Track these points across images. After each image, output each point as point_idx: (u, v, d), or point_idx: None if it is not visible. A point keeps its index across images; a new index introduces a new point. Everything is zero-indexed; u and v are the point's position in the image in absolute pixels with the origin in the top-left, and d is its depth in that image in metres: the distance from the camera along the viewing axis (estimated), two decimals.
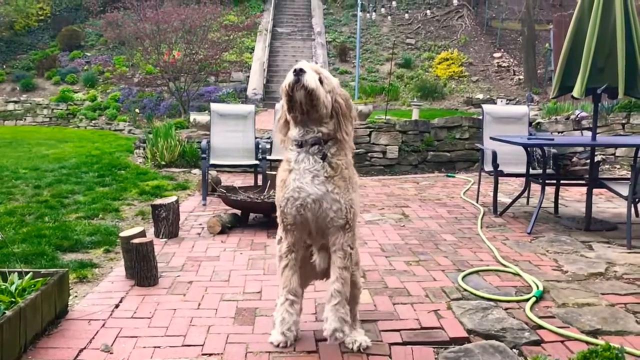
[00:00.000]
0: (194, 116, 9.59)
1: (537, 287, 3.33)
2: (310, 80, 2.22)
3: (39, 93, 18.05)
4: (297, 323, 2.58)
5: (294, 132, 2.37)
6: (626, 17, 4.64)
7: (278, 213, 2.48)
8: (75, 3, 22.62)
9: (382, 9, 20.21)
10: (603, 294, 3.30)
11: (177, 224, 4.69)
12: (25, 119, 17.20)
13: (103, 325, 2.84)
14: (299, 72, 2.21)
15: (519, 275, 3.62)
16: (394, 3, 20.34)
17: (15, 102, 17.46)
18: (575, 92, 4.73)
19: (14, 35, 20.79)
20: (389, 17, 21.21)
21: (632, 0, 4.75)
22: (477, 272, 3.71)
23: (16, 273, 2.84)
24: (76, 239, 4.39)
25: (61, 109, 17.11)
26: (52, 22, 21.48)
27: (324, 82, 2.29)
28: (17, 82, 18.40)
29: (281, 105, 2.42)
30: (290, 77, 2.24)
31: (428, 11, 20.70)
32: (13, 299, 2.61)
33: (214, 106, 7.12)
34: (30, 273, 2.86)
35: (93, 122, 16.52)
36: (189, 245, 4.38)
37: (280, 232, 2.54)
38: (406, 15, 21.44)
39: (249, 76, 17.75)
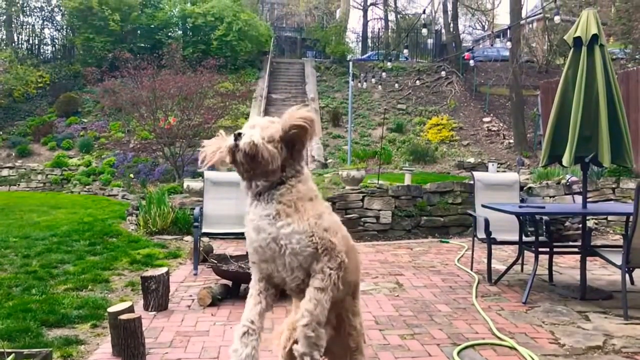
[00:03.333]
0: (188, 182, 9.61)
1: None
2: (246, 143, 2.25)
3: (34, 159, 18.18)
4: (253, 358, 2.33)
5: (246, 184, 2.39)
6: (608, 88, 4.78)
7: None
8: (75, 71, 23.22)
9: (373, 79, 20.83)
10: None
11: (167, 296, 4.60)
12: (19, 185, 17.22)
13: None
14: (237, 137, 2.28)
15: (515, 349, 3.54)
16: (384, 74, 20.98)
17: (10, 167, 17.55)
18: (565, 161, 4.81)
19: (13, 102, 21.18)
20: (380, 86, 21.82)
21: (612, 72, 4.92)
22: (472, 346, 3.63)
23: None
24: (63, 313, 4.28)
25: (56, 175, 17.18)
26: (50, 89, 21.97)
27: (266, 137, 2.29)
28: (13, 147, 18.57)
29: None
30: (230, 140, 2.30)
31: (418, 81, 21.35)
32: None
33: (207, 174, 7.15)
34: (13, 354, 2.77)
35: (87, 187, 16.56)
36: (178, 318, 4.28)
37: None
38: (396, 84, 22.06)
39: None
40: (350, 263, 2.45)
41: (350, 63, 20.44)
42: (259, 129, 2.32)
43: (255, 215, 2.34)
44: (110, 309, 3.59)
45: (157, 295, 4.45)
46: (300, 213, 2.28)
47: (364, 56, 31.37)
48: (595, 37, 4.76)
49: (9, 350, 2.84)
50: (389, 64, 20.18)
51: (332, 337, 2.43)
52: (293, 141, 2.33)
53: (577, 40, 4.86)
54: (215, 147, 2.42)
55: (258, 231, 2.31)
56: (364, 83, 21.26)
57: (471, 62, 18.17)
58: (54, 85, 22.17)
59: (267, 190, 2.32)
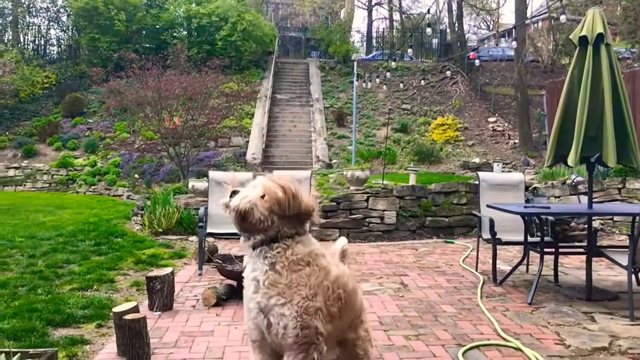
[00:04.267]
0: (192, 183, 9.63)
1: None
2: (236, 202, 2.23)
3: (40, 159, 18.24)
4: None
5: (242, 238, 2.36)
6: (614, 87, 4.76)
7: None
8: (80, 71, 23.31)
9: (377, 79, 20.80)
10: None
11: (172, 296, 4.61)
12: (25, 185, 17.28)
13: None
14: (232, 194, 2.28)
15: (520, 350, 3.53)
16: (388, 74, 20.95)
17: (16, 168, 17.61)
18: (570, 161, 4.79)
19: (19, 102, 21.27)
20: (385, 86, 21.81)
21: (619, 71, 4.89)
22: (477, 347, 3.62)
23: (3, 354, 2.76)
24: (68, 313, 4.30)
25: (61, 175, 17.23)
26: (56, 89, 22.06)
27: (264, 199, 2.24)
28: (19, 148, 18.65)
29: None
30: (226, 197, 2.31)
31: (423, 81, 21.31)
32: None
33: (212, 174, 7.17)
34: (19, 354, 2.78)
35: (92, 187, 16.60)
36: (183, 318, 4.29)
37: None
38: (401, 84, 22.04)
39: (248, 141, 18.02)
40: (350, 302, 2.42)
41: (355, 63, 20.41)
42: (261, 189, 2.26)
43: (246, 275, 2.31)
44: (115, 309, 3.60)
45: (162, 295, 4.46)
46: (292, 291, 2.18)
47: (369, 56, 31.33)
48: (601, 36, 4.74)
49: (15, 349, 2.85)
50: (393, 63, 20.17)
51: (340, 350, 2.44)
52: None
53: (583, 40, 4.84)
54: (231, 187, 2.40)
55: (249, 301, 2.27)
56: (369, 83, 21.24)
57: (476, 61, 18.12)
58: (59, 86, 22.25)
59: (261, 245, 2.27)
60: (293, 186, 2.28)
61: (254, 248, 2.29)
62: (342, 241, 2.82)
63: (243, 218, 2.22)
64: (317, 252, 2.32)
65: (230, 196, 2.27)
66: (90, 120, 20.13)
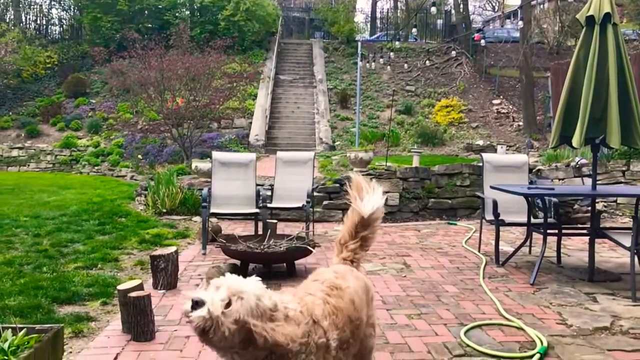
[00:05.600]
0: (196, 163, 9.64)
1: (542, 343, 3.26)
2: (199, 317, 1.73)
3: (43, 139, 18.25)
4: None
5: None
6: (620, 68, 4.72)
7: None
8: (82, 51, 23.19)
9: (381, 60, 20.62)
10: (609, 350, 3.23)
11: (176, 274, 4.64)
12: (29, 165, 17.32)
13: None
14: (194, 305, 1.77)
15: (522, 329, 3.55)
16: (391, 54, 20.77)
17: (20, 148, 17.63)
18: (575, 142, 4.77)
19: (21, 82, 21.21)
20: (389, 67, 21.64)
21: (625, 52, 4.84)
22: (479, 326, 3.64)
23: (10, 329, 2.79)
24: (73, 290, 4.34)
25: (65, 155, 17.26)
26: (59, 69, 21.96)
27: (233, 308, 1.76)
28: (22, 128, 18.64)
29: None
30: (186, 305, 1.79)
31: (428, 61, 21.13)
32: (6, 357, 2.56)
33: (215, 154, 7.19)
34: (25, 329, 2.81)
35: (96, 168, 16.62)
36: None
37: None
38: (405, 65, 21.87)
39: (251, 122, 17.97)
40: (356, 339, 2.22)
41: (359, 43, 20.23)
42: (226, 295, 1.80)
43: None
44: (120, 287, 3.63)
45: (166, 273, 4.49)
46: None
47: (373, 37, 31.06)
48: (608, 16, 4.68)
49: (21, 325, 2.87)
50: (397, 43, 19.96)
51: None
52: None
53: (590, 20, 4.78)
54: None
55: None
56: (372, 64, 21.06)
57: (482, 41, 17.92)
58: (62, 66, 22.15)
59: None
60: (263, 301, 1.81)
61: None
62: (377, 198, 2.40)
63: (203, 334, 1.76)
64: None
65: (193, 307, 1.76)
66: (93, 101, 20.09)
